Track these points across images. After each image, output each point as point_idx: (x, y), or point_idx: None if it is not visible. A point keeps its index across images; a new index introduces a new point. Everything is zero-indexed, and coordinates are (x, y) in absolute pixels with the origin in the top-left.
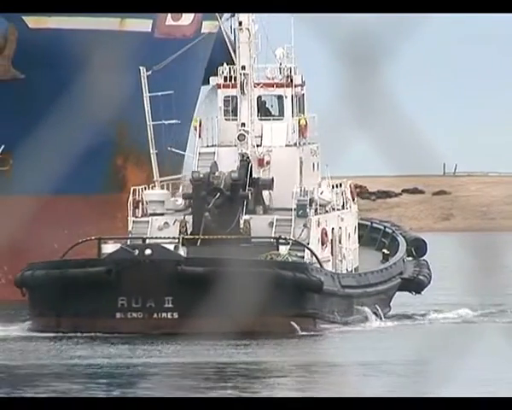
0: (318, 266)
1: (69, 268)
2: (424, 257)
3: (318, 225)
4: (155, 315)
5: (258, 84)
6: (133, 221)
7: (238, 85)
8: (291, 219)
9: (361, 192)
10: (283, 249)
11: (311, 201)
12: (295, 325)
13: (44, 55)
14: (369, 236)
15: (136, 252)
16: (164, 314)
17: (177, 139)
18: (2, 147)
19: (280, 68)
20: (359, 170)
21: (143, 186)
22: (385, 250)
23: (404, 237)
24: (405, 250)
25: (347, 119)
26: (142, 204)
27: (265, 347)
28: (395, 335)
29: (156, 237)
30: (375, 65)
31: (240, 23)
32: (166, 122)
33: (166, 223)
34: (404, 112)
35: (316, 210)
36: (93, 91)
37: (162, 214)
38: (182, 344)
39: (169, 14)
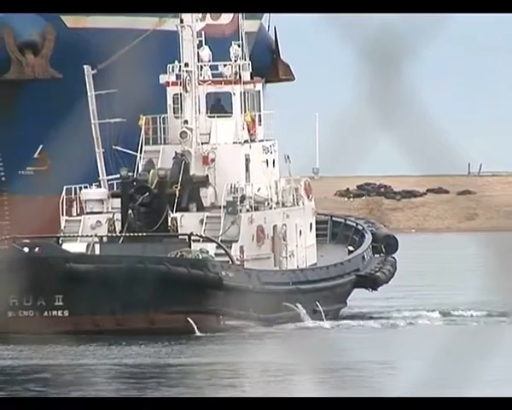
0: (228, 262)
1: None
2: (394, 254)
3: (251, 222)
4: (46, 313)
5: (204, 82)
6: (65, 220)
7: (182, 83)
8: (221, 217)
9: (386, 192)
10: (199, 246)
11: (243, 198)
12: (191, 322)
13: (82, 55)
14: (343, 233)
15: (26, 250)
16: (54, 312)
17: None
18: (40, 147)
19: (230, 65)
20: (384, 170)
21: (80, 185)
22: (350, 247)
23: (374, 234)
24: (374, 247)
25: (371, 119)
26: (80, 203)
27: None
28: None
29: (70, 236)
30: (399, 65)
31: (181, 20)
32: (112, 121)
33: (99, 221)
34: (428, 112)
35: (251, 207)
36: (127, 90)
37: (100, 213)
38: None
39: (208, 14)
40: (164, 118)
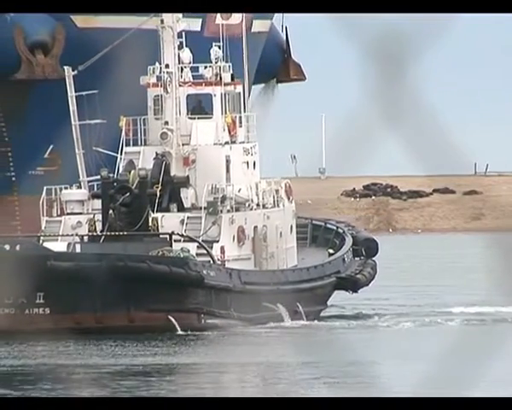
0: (210, 261)
1: None
2: (374, 257)
3: (232, 223)
4: (27, 311)
5: (185, 83)
6: (46, 221)
7: (163, 84)
8: (201, 217)
9: (392, 192)
10: (180, 246)
11: (224, 198)
12: (173, 320)
13: (92, 55)
14: (323, 236)
15: (8, 247)
16: (36, 310)
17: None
18: (51, 147)
19: (211, 67)
20: (391, 170)
21: (60, 186)
22: (330, 250)
23: (354, 237)
24: (353, 250)
25: (378, 119)
26: (60, 204)
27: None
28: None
29: (51, 235)
30: (406, 65)
31: (162, 21)
32: (93, 122)
33: (79, 222)
34: (434, 112)
35: (232, 208)
36: (138, 90)
37: (80, 214)
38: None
39: (218, 13)
40: (144, 119)
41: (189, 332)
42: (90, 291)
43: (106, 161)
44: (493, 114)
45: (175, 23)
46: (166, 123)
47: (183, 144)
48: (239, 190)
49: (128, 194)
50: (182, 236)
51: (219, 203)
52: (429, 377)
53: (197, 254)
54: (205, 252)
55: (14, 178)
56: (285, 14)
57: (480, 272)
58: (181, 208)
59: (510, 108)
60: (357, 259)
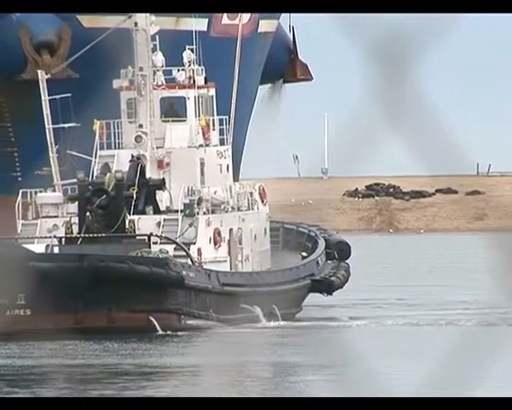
0: (189, 262)
1: None
2: (347, 260)
3: (209, 225)
4: (8, 312)
5: (159, 86)
6: (22, 224)
7: (137, 87)
8: (178, 219)
9: (395, 192)
10: (158, 248)
11: (200, 200)
12: (154, 321)
13: (98, 55)
14: (296, 240)
15: None
16: (17, 311)
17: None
18: (57, 147)
19: (184, 70)
20: (393, 170)
21: (36, 189)
22: (303, 253)
23: (327, 240)
24: (326, 253)
25: (380, 119)
26: (36, 207)
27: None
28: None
29: (28, 237)
30: (407, 65)
31: (135, 24)
32: (66, 125)
33: (55, 225)
34: (437, 112)
35: (208, 210)
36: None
37: (56, 217)
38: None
39: (225, 14)
40: (118, 123)
41: (169, 332)
42: (71, 292)
43: (81, 164)
44: (496, 114)
45: (148, 26)
46: (141, 126)
47: (157, 147)
48: (215, 193)
49: (104, 196)
50: (160, 237)
51: (196, 205)
52: (430, 377)
53: (174, 256)
54: (182, 254)
55: (20, 178)
56: (290, 14)
57: (482, 273)
58: (157, 211)
59: None
60: (329, 262)
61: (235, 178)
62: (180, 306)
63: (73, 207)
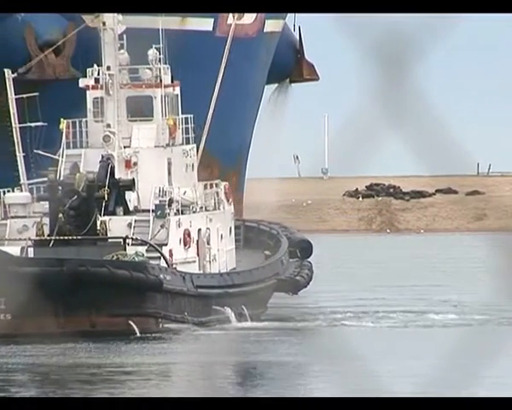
0: (164, 265)
1: None
2: (309, 258)
3: (179, 226)
4: None
5: (125, 85)
6: None
7: (104, 86)
8: (149, 220)
9: (395, 192)
10: (133, 249)
11: (171, 201)
12: (133, 325)
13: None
14: (257, 238)
15: None
16: None
17: None
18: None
19: (150, 69)
20: (393, 170)
21: (4, 189)
22: (267, 252)
23: (289, 238)
24: (289, 252)
25: (381, 119)
26: (4, 207)
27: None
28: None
29: (2, 239)
30: (407, 65)
31: (103, 23)
32: (33, 125)
33: (25, 225)
34: (436, 112)
35: (178, 211)
36: None
37: (24, 217)
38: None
39: (230, 13)
40: (85, 122)
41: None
42: (51, 296)
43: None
44: (496, 114)
45: (116, 25)
46: (109, 125)
47: (124, 147)
48: (184, 193)
49: (76, 197)
50: (136, 240)
51: (167, 206)
52: (431, 377)
53: (148, 258)
54: (155, 256)
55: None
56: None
57: (482, 272)
58: (126, 211)
59: None
60: (292, 260)
61: (242, 177)
62: (158, 309)
63: (39, 206)
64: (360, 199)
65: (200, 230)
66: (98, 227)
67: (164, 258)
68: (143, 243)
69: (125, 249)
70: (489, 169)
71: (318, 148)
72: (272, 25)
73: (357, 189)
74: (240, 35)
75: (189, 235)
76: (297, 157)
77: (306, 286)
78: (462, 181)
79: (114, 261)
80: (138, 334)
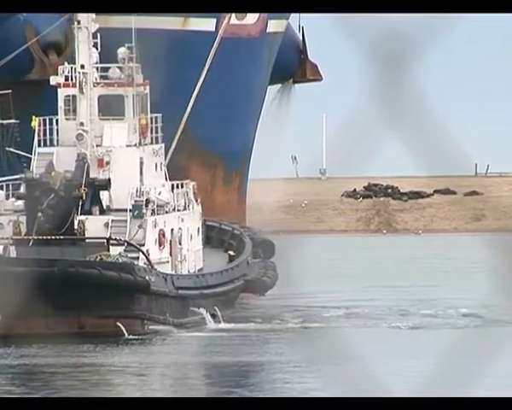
0: (148, 266)
1: None
2: (272, 259)
3: (155, 226)
4: None
5: (98, 84)
6: None
7: (77, 85)
8: (127, 220)
9: (393, 193)
10: (116, 250)
11: (148, 201)
12: (121, 327)
13: (106, 55)
14: (218, 237)
15: None
16: None
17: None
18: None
19: (121, 68)
20: (391, 171)
21: None
22: (231, 252)
23: (252, 238)
24: (252, 252)
25: (379, 120)
26: None
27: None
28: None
29: None
30: (406, 65)
31: (78, 22)
32: (5, 122)
33: (1, 224)
34: (435, 112)
35: (153, 211)
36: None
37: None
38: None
39: (233, 14)
40: (56, 120)
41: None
42: (41, 297)
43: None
44: (494, 114)
45: (90, 23)
46: (82, 124)
47: (96, 146)
48: (159, 193)
49: (53, 196)
50: (119, 240)
51: (144, 206)
52: (431, 377)
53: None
54: (133, 256)
55: None
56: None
57: (481, 273)
58: (102, 211)
59: (511, 108)
60: (255, 261)
61: (245, 178)
62: (144, 311)
63: (10, 204)
64: (358, 199)
65: (172, 230)
66: (76, 226)
67: (147, 259)
68: (127, 244)
69: (109, 250)
70: (487, 170)
71: (316, 148)
72: (275, 25)
73: (355, 189)
74: (243, 35)
75: (163, 235)
76: (295, 158)
77: (272, 287)
78: (460, 182)
79: (104, 262)
80: (126, 335)
